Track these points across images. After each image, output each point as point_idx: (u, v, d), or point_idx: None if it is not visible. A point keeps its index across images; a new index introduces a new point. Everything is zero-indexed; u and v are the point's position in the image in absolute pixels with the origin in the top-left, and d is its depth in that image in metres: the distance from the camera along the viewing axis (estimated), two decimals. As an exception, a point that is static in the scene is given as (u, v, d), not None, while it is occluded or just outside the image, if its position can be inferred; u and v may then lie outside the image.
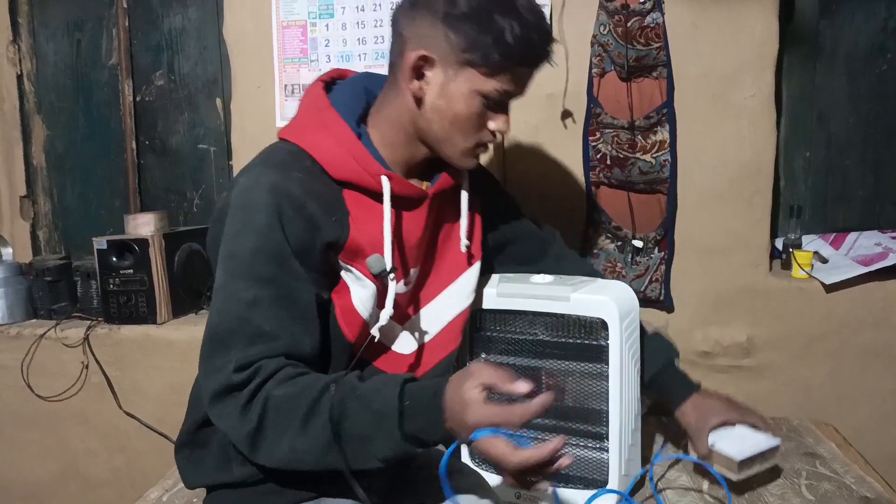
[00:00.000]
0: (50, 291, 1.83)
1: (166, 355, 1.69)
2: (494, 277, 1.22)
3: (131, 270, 1.71)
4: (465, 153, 1.02)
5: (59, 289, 1.84)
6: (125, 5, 1.88)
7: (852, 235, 1.64)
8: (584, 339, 1.14)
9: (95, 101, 1.96)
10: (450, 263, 1.12)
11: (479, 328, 1.22)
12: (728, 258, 1.58)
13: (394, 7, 1.02)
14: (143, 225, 1.72)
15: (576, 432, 1.17)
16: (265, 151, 1.00)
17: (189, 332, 1.69)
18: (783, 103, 1.67)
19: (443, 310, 1.12)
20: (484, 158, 1.63)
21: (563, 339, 1.16)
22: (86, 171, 1.99)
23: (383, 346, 1.07)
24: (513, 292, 1.17)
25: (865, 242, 1.60)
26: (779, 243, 1.66)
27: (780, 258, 1.65)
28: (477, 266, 1.15)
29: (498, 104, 0.99)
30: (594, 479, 1.15)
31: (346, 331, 0.99)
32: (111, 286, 1.72)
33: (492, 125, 1.00)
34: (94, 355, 1.72)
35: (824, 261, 1.58)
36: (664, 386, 1.25)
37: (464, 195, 1.12)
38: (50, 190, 2.02)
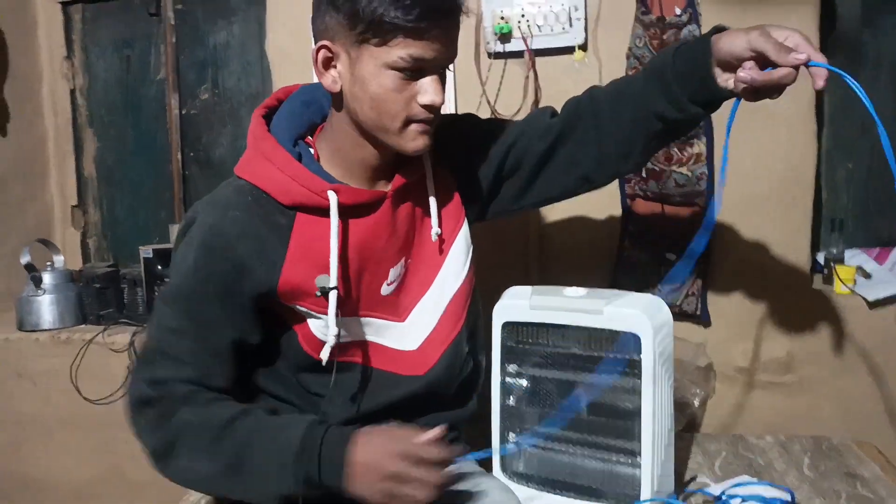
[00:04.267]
0: (98, 298, 1.90)
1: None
2: (527, 290, 1.20)
3: (175, 279, 1.77)
4: (398, 135, 0.95)
5: (107, 295, 1.90)
6: (172, 22, 1.95)
7: (897, 250, 1.59)
8: (617, 353, 1.12)
9: (143, 115, 2.04)
10: (432, 250, 1.10)
11: (511, 340, 1.21)
12: (767, 272, 1.56)
13: None
14: (187, 235, 1.78)
15: (608, 448, 1.16)
16: (220, 187, 1.03)
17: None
18: (825, 113, 1.64)
19: (438, 296, 1.10)
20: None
21: (596, 353, 1.14)
22: (134, 183, 2.08)
23: (386, 349, 1.07)
24: (545, 305, 1.16)
25: (912, 257, 1.55)
26: (820, 257, 1.63)
27: (822, 272, 1.62)
28: (458, 242, 1.12)
29: (416, 74, 0.92)
30: (626, 495, 1.14)
31: (314, 355, 1.01)
32: (156, 293, 1.78)
33: (420, 98, 0.93)
34: (139, 360, 1.78)
35: (868, 276, 1.55)
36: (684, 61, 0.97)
37: (429, 182, 1.08)
38: (100, 200, 2.11)
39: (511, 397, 1.21)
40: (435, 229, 1.09)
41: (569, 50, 1.59)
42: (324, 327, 0.99)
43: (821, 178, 1.63)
